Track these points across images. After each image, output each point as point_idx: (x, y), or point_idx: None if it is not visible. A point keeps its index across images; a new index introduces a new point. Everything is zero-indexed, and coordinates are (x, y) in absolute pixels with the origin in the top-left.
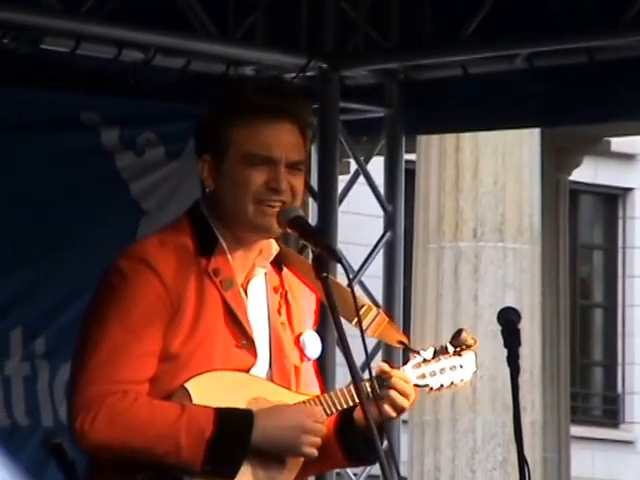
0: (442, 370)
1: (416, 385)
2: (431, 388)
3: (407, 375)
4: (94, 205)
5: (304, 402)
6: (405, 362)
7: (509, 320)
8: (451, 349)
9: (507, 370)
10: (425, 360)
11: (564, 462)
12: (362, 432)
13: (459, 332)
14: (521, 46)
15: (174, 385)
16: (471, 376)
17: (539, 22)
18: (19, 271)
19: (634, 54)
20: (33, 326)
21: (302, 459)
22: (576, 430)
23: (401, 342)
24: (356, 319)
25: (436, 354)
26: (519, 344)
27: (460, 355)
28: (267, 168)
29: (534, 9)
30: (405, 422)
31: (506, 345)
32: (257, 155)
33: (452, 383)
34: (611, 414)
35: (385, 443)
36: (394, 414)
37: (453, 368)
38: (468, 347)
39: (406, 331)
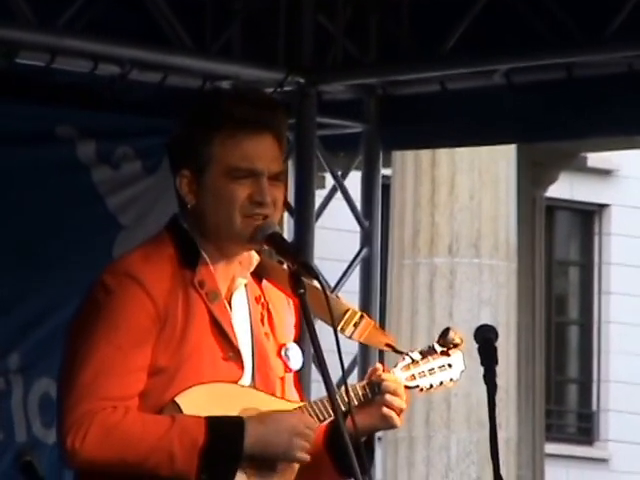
0: (431, 370)
1: (406, 387)
2: (421, 389)
3: (397, 377)
4: (69, 219)
5: (296, 409)
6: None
7: (486, 338)
8: (439, 349)
9: (482, 387)
10: (414, 361)
11: (538, 479)
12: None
13: (446, 331)
14: (500, 62)
15: (164, 399)
16: (460, 375)
17: (518, 38)
18: None
19: (613, 70)
20: (6, 342)
21: (296, 466)
22: (551, 447)
23: (388, 345)
24: (341, 325)
25: (424, 355)
26: (496, 362)
27: (448, 355)
28: (250, 181)
29: (513, 25)
30: (379, 439)
31: (483, 363)
32: (240, 168)
33: (441, 383)
34: (586, 432)
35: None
36: (395, 417)
37: (442, 368)
38: (455, 346)
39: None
